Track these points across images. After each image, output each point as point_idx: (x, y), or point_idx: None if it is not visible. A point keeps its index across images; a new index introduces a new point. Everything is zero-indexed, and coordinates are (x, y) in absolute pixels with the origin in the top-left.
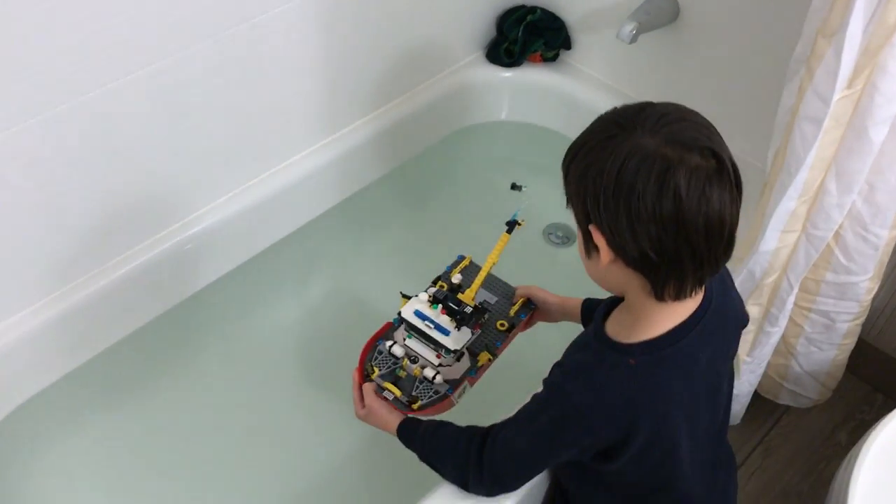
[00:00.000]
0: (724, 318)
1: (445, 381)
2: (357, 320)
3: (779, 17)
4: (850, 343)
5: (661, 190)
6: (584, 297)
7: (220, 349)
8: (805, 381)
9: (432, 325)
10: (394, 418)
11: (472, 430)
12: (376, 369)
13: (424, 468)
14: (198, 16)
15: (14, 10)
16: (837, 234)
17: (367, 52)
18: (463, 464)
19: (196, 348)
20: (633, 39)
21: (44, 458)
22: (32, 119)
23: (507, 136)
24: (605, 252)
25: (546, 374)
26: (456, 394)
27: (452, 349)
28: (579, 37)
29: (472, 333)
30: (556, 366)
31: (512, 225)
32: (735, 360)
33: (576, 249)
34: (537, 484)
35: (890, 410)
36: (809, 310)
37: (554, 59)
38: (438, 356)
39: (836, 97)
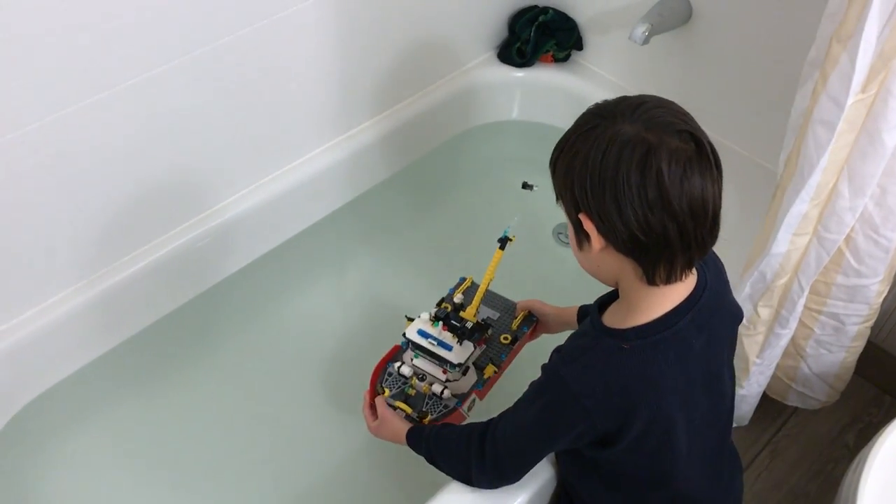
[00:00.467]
0: (719, 308)
1: (454, 396)
2: (368, 318)
3: (791, 20)
4: (860, 345)
5: (643, 172)
6: (579, 305)
7: (233, 345)
8: (814, 383)
9: (435, 342)
10: (403, 426)
11: (472, 425)
12: (387, 390)
13: (431, 469)
14: (213, 15)
15: (55, 5)
16: (848, 237)
17: (381, 52)
18: (465, 458)
19: (209, 344)
20: (646, 41)
21: (61, 449)
22: (64, 110)
23: (518, 136)
24: (595, 239)
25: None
26: (465, 406)
27: (456, 363)
28: (591, 37)
29: (476, 348)
30: (555, 351)
31: (504, 241)
32: (744, 362)
33: None
34: (544, 485)
35: None
36: (819, 312)
37: (565, 59)
38: (444, 372)
39: (849, 101)
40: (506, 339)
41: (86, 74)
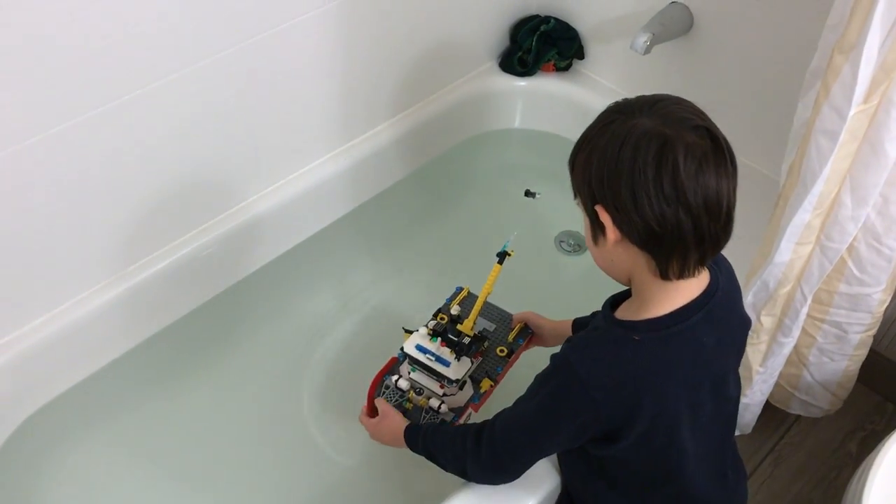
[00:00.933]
0: (731, 311)
1: (451, 410)
2: (369, 327)
3: (793, 30)
4: (862, 354)
5: (659, 164)
6: (573, 318)
7: (235, 355)
8: (816, 392)
9: (433, 358)
10: (403, 422)
11: (471, 423)
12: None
13: (433, 476)
14: (221, 25)
15: (69, 13)
16: (851, 247)
17: (384, 61)
18: (462, 452)
19: (212, 354)
20: (648, 51)
21: (66, 458)
22: (74, 119)
23: (520, 145)
24: (610, 230)
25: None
26: (461, 420)
27: (454, 379)
28: (593, 46)
29: (473, 362)
30: (566, 341)
31: (502, 256)
32: (747, 370)
33: (587, 258)
34: (549, 493)
35: None
36: (822, 321)
37: (567, 68)
38: (441, 386)
39: (852, 112)
40: (502, 351)
41: (98, 82)
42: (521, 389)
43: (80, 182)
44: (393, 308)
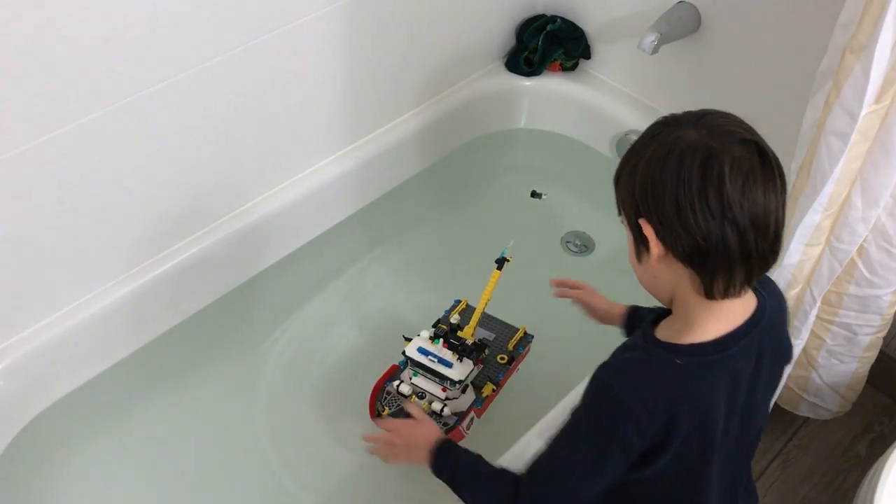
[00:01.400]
0: (774, 340)
1: (453, 414)
2: (374, 330)
3: (802, 30)
4: (871, 356)
5: (705, 177)
6: (631, 304)
7: (240, 358)
8: (825, 393)
9: (436, 360)
10: (439, 435)
11: (506, 470)
12: (386, 409)
13: (434, 484)
14: (229, 25)
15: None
16: (861, 248)
17: (389, 62)
18: (494, 499)
19: (216, 355)
20: (655, 50)
21: (70, 460)
22: (80, 119)
23: (526, 145)
24: (654, 244)
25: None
26: (464, 424)
27: (457, 380)
28: (599, 46)
29: (475, 366)
30: (602, 367)
31: (501, 262)
32: None
33: (593, 258)
34: None
35: None
36: (832, 322)
37: (573, 68)
38: (444, 389)
39: (863, 112)
40: (502, 358)
41: (101, 84)
42: (523, 394)
43: (85, 184)
44: (396, 312)
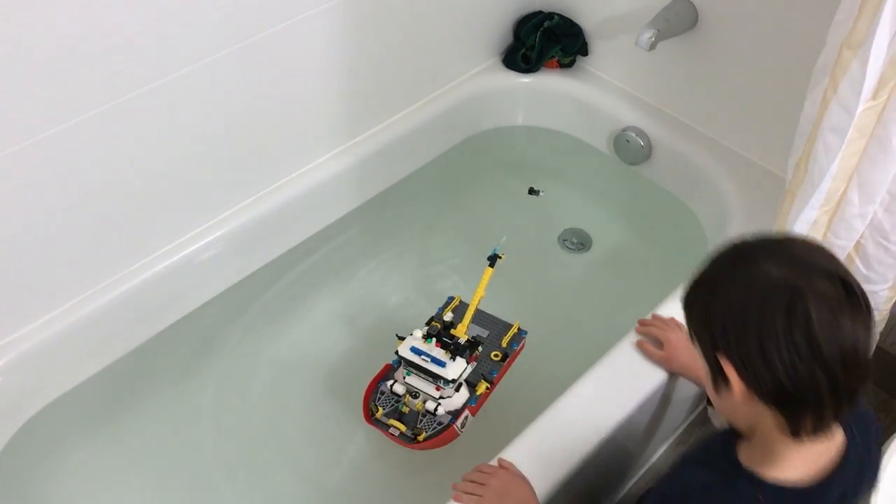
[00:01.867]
0: (860, 476)
1: (447, 413)
2: (369, 328)
3: (799, 26)
4: None
5: (790, 317)
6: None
7: (234, 357)
8: None
9: (429, 359)
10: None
11: None
12: (380, 409)
13: (434, 479)
14: (226, 22)
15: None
16: (858, 244)
17: (387, 59)
18: None
19: (211, 355)
20: (652, 47)
21: (66, 460)
22: (76, 118)
23: (523, 141)
24: (736, 383)
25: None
26: (458, 423)
27: (450, 379)
28: (596, 43)
29: (468, 364)
30: (672, 481)
31: (493, 259)
32: None
33: (590, 256)
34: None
35: None
36: None
37: (571, 65)
38: (438, 388)
39: (860, 108)
40: (496, 355)
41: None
42: (518, 392)
43: (80, 181)
44: (393, 310)
